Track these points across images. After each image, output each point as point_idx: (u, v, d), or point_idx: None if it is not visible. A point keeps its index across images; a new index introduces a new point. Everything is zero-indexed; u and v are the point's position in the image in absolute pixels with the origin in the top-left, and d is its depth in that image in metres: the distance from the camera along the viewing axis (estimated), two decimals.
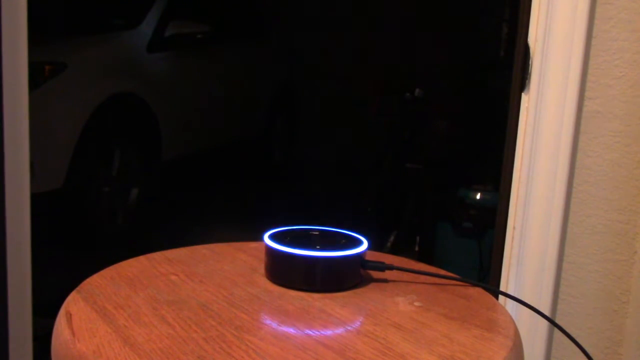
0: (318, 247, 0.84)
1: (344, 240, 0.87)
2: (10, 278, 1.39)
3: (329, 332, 0.70)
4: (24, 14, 1.38)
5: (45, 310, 2.34)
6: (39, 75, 2.96)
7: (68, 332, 0.69)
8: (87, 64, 3.28)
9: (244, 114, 4.88)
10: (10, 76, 1.35)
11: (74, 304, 0.76)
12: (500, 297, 1.08)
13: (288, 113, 5.72)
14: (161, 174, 3.83)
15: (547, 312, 1.19)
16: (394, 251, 3.22)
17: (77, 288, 0.81)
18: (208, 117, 4.40)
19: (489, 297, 0.85)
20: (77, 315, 0.73)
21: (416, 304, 0.80)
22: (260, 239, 0.88)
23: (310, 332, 0.70)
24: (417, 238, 3.11)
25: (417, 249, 3.05)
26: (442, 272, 0.89)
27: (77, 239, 3.33)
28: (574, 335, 0.85)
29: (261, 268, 0.88)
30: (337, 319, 0.74)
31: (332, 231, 0.92)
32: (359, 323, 0.75)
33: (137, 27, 3.73)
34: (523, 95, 1.33)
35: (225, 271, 0.88)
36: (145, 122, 3.61)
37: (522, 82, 1.32)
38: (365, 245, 0.85)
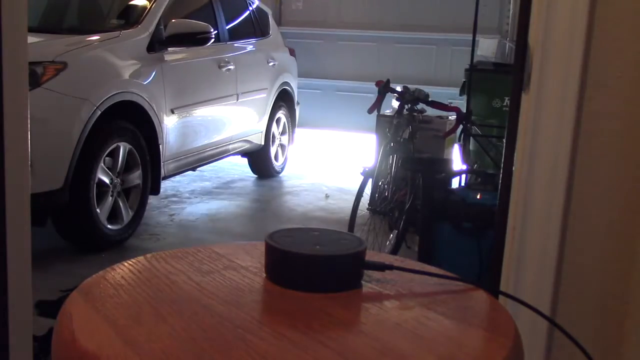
0: (318, 247, 0.84)
1: (344, 241, 0.87)
2: (10, 278, 1.39)
3: (329, 332, 0.70)
4: (24, 14, 1.38)
5: (46, 310, 2.34)
6: (40, 75, 2.96)
7: (68, 332, 0.69)
8: (88, 63, 3.28)
9: (246, 114, 4.88)
10: (10, 76, 1.35)
11: (74, 304, 0.76)
12: (500, 297, 1.08)
13: (287, 113, 5.72)
14: (162, 174, 3.83)
15: (547, 312, 1.19)
16: (394, 251, 3.22)
17: (77, 288, 0.80)
18: (209, 118, 4.40)
19: (489, 297, 0.85)
20: (77, 315, 0.73)
21: (416, 304, 0.80)
22: (262, 238, 0.88)
23: (310, 332, 0.70)
24: (417, 238, 3.11)
25: (417, 249, 3.05)
26: (442, 272, 0.89)
27: (78, 239, 3.33)
28: (574, 335, 0.85)
29: (262, 268, 0.88)
30: (337, 319, 0.74)
31: (333, 231, 0.92)
32: (359, 323, 0.75)
33: (137, 26, 3.73)
34: (523, 95, 1.33)
35: (226, 271, 0.88)
36: (146, 121, 3.60)
37: (522, 82, 1.32)
38: (365, 245, 0.85)
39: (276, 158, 5.58)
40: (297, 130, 5.96)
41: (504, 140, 1.41)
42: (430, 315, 0.76)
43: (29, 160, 1.46)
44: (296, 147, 6.03)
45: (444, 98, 4.32)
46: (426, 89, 3.77)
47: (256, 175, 5.53)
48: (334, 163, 6.30)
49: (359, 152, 6.22)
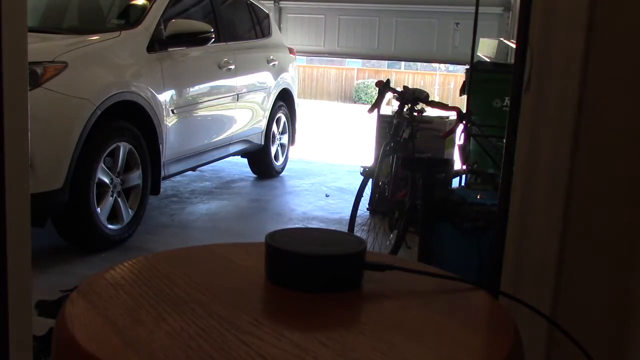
0: (318, 247, 0.84)
1: (343, 241, 0.87)
2: (10, 278, 1.39)
3: (329, 332, 0.70)
4: (24, 14, 1.38)
5: (46, 310, 2.34)
6: (40, 75, 2.96)
7: (68, 332, 0.69)
8: (88, 63, 3.28)
9: (246, 114, 4.88)
10: (10, 76, 1.34)
11: (74, 304, 0.76)
12: (500, 297, 1.08)
13: (287, 113, 5.72)
14: (162, 174, 3.82)
15: (547, 312, 1.19)
16: (394, 251, 3.22)
17: (77, 288, 0.81)
18: (209, 118, 4.40)
19: (489, 297, 0.85)
20: (77, 315, 0.73)
21: (416, 303, 0.80)
22: (262, 238, 0.88)
23: (310, 332, 0.70)
24: (417, 238, 3.11)
25: (417, 249, 3.05)
26: (442, 272, 0.89)
27: (78, 239, 3.32)
28: (574, 335, 0.85)
29: (262, 268, 0.88)
30: (337, 319, 0.74)
31: (333, 231, 0.92)
32: (359, 323, 0.75)
33: (137, 27, 3.73)
34: (523, 95, 1.33)
35: (226, 271, 0.88)
36: (146, 121, 3.60)
37: (522, 82, 1.32)
38: (365, 245, 0.85)
39: (276, 158, 5.59)
40: (300, 60, 5.95)
41: (504, 140, 1.41)
42: (430, 315, 0.76)
43: (29, 160, 1.46)
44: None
45: None
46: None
47: (256, 175, 5.53)
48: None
49: (359, 149, 6.22)
